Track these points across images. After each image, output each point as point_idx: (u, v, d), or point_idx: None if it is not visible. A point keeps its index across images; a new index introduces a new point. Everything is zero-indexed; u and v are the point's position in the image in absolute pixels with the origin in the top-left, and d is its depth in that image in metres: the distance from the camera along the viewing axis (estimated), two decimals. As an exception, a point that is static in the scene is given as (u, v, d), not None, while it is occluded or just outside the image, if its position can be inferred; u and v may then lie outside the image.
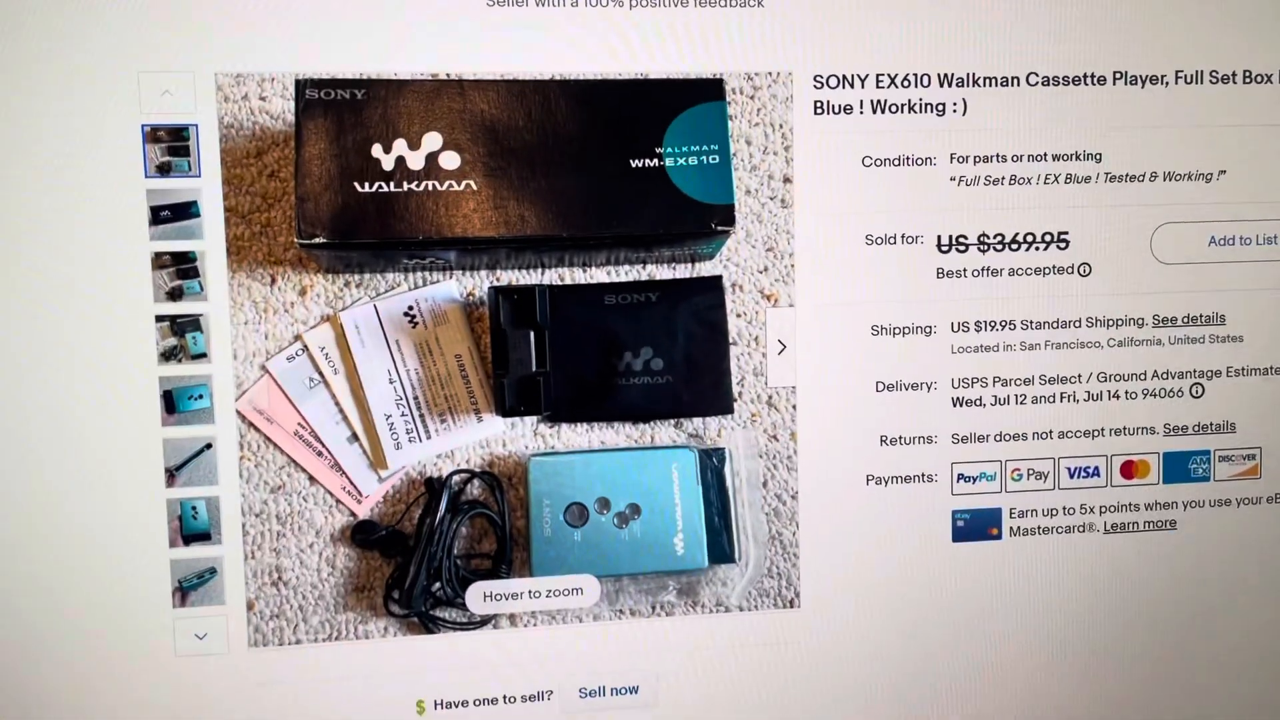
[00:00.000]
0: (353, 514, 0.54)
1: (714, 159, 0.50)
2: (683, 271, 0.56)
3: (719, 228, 0.50)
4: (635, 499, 0.53)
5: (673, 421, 0.56)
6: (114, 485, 0.52)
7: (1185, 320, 0.57)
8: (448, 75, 0.53)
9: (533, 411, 0.52)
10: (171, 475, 0.52)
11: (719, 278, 0.55)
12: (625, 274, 0.56)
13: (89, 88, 0.51)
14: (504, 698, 0.55)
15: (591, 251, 0.53)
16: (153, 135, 0.51)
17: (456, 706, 0.55)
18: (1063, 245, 0.57)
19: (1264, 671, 0.59)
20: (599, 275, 0.55)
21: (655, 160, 0.50)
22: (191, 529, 0.53)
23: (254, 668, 0.53)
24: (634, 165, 0.50)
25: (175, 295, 0.52)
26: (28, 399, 0.51)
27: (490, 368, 0.54)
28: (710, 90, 0.51)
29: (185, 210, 0.52)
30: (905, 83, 0.55)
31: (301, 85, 0.48)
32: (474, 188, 0.49)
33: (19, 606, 0.52)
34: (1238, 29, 0.57)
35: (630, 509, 0.53)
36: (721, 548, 0.55)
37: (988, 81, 0.56)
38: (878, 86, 0.55)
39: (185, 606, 0.53)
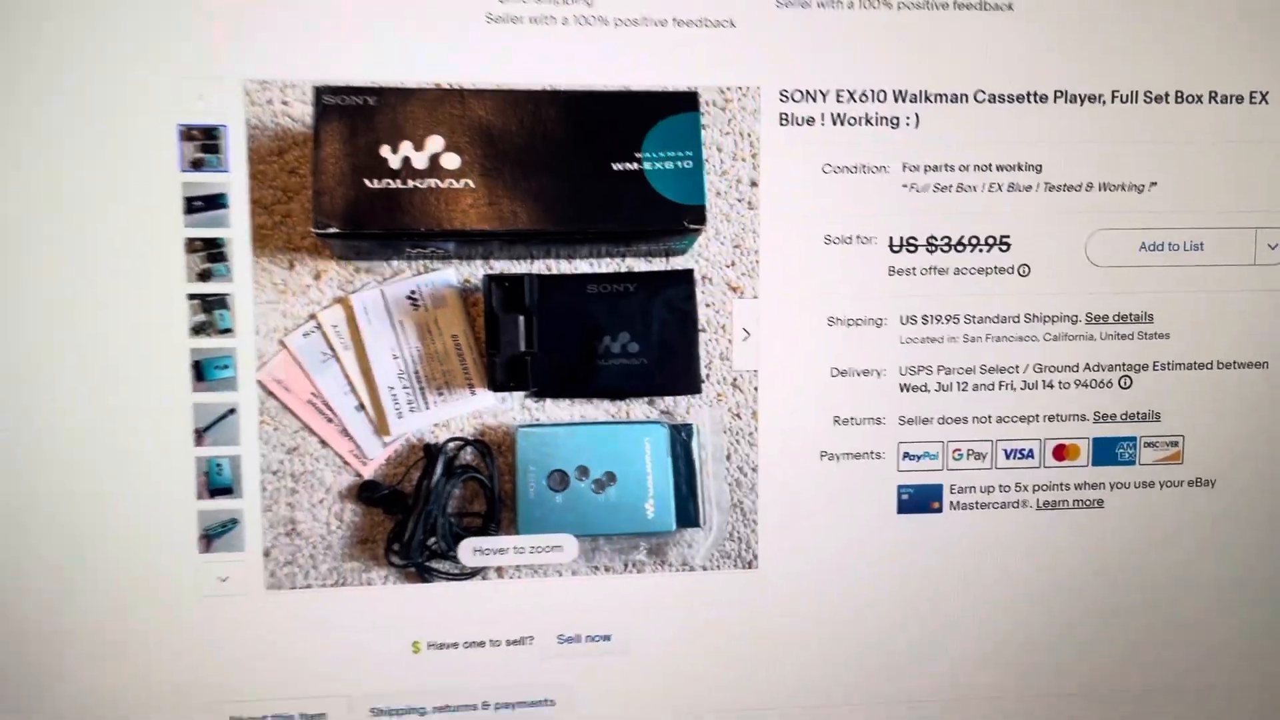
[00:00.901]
0: (358, 474, 0.56)
1: (688, 164, 0.52)
2: (658, 264, 0.57)
3: (691, 226, 0.51)
4: (611, 467, 0.55)
5: (646, 399, 0.57)
6: (149, 444, 0.54)
7: (1116, 318, 0.59)
8: (450, 85, 0.54)
9: (521, 387, 0.54)
10: (200, 436, 0.55)
11: (690, 271, 0.57)
12: (606, 266, 0.57)
13: (134, 91, 0.53)
14: (490, 641, 0.57)
15: (576, 245, 0.54)
16: (187, 134, 0.53)
17: (447, 648, 0.57)
18: (1004, 248, 0.58)
19: (1180, 640, 0.61)
20: (582, 266, 0.57)
21: (634, 164, 0.51)
22: (216, 484, 0.55)
23: (269, 608, 0.56)
24: (615, 168, 0.51)
25: (205, 276, 0.54)
26: (75, 366, 0.54)
27: (483, 347, 0.55)
28: (685, 102, 0.53)
29: (215, 201, 0.54)
30: (863, 98, 0.56)
31: (320, 92, 0.50)
32: (472, 186, 0.50)
33: (62, 552, 0.54)
34: (1170, 53, 0.58)
35: (607, 476, 0.55)
36: (688, 513, 0.57)
37: (939, 98, 0.57)
38: (838, 101, 0.56)
39: (210, 552, 0.55)
